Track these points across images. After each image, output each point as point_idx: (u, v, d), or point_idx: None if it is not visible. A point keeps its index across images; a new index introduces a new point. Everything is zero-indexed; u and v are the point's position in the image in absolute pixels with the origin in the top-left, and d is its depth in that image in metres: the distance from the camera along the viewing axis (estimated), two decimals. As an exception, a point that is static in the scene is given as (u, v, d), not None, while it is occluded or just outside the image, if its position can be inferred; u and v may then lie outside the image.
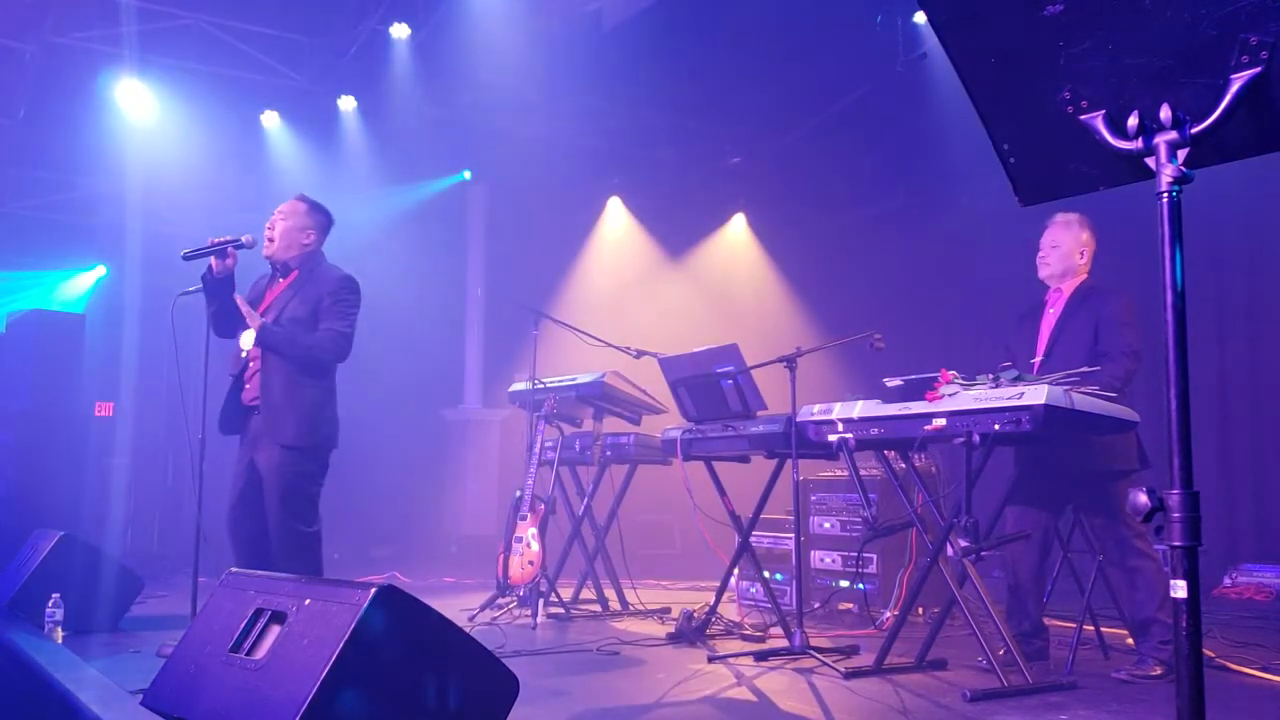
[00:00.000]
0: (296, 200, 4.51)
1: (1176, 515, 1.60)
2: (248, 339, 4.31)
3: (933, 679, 4.04)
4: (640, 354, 5.81)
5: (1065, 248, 4.37)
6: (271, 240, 4.42)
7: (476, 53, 7.95)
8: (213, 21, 7.96)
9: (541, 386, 5.90)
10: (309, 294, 4.32)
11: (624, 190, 10.75)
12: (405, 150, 9.38)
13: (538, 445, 5.70)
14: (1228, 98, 1.60)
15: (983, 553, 3.88)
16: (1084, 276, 4.39)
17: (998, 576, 5.86)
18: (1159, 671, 3.95)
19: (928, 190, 9.09)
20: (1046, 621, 4.46)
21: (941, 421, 3.83)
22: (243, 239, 4.36)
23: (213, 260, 4.32)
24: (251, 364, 4.34)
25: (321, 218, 4.52)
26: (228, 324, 4.39)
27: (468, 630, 2.79)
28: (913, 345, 7.39)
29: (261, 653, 2.58)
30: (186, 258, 4.32)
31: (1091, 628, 4.56)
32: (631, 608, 5.96)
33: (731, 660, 4.44)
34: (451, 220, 10.43)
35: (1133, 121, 1.69)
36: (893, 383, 4.07)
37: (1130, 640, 4.31)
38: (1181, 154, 1.66)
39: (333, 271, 4.42)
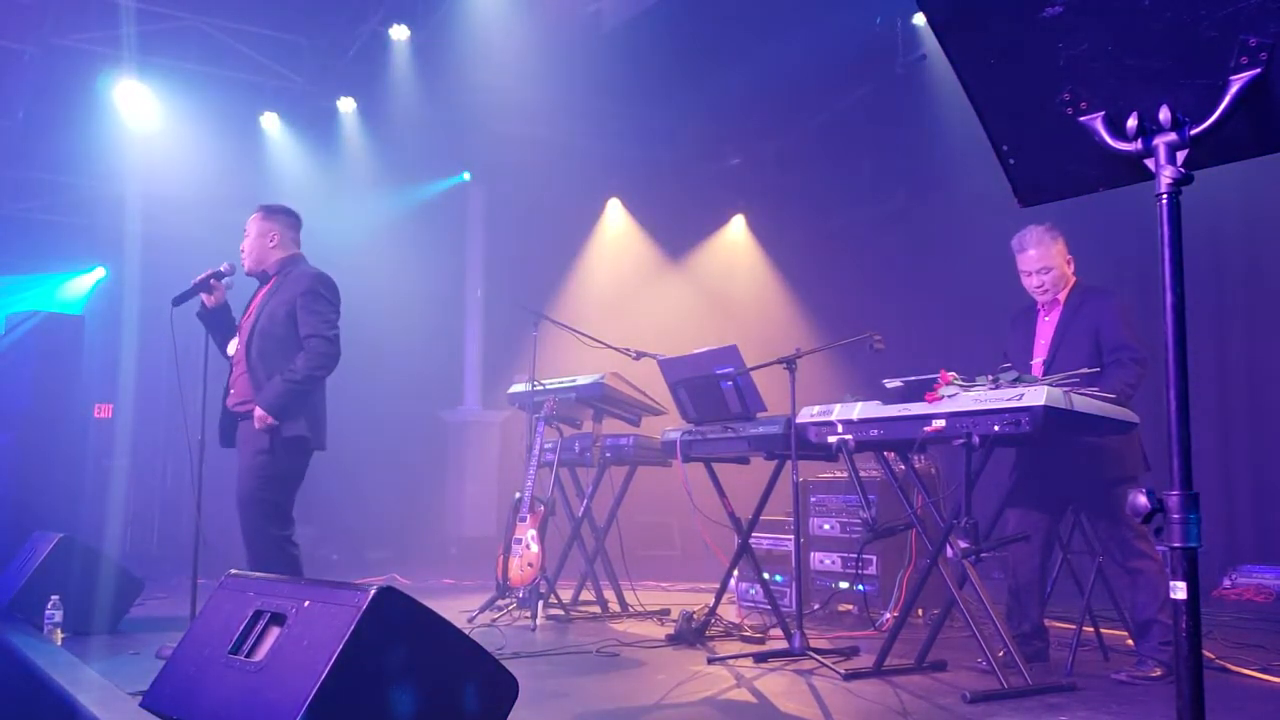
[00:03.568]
0: (255, 213, 4.57)
1: (1176, 516, 1.60)
2: (233, 345, 4.42)
3: (932, 680, 4.04)
4: (640, 355, 5.81)
5: (1057, 269, 4.32)
6: (245, 260, 4.52)
7: (476, 54, 7.96)
8: (212, 23, 7.97)
9: (541, 388, 5.90)
10: (284, 296, 4.36)
11: (623, 191, 10.76)
12: (405, 151, 9.39)
13: (537, 447, 5.70)
14: (1227, 99, 1.60)
15: (982, 554, 3.87)
16: (1073, 280, 4.39)
17: (998, 578, 5.87)
18: (1159, 673, 3.95)
19: (927, 191, 9.08)
20: (1046, 623, 4.45)
21: (941, 423, 3.83)
22: (221, 268, 4.50)
23: (203, 296, 4.46)
24: (234, 368, 4.41)
25: (282, 218, 4.55)
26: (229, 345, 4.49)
27: (467, 632, 2.79)
28: (912, 346, 7.39)
29: (261, 654, 2.57)
30: (175, 302, 4.45)
31: (1091, 629, 4.55)
32: (631, 609, 5.96)
33: (731, 662, 4.43)
34: (451, 221, 10.43)
35: (1132, 123, 1.69)
36: (892, 384, 4.07)
37: (1130, 641, 4.31)
38: (1181, 155, 1.66)
39: (307, 270, 4.44)
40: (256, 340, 4.31)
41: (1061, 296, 4.36)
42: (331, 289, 4.38)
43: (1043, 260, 4.33)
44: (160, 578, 7.12)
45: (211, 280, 4.45)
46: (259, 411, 4.15)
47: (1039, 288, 4.37)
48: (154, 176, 8.95)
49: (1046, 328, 4.38)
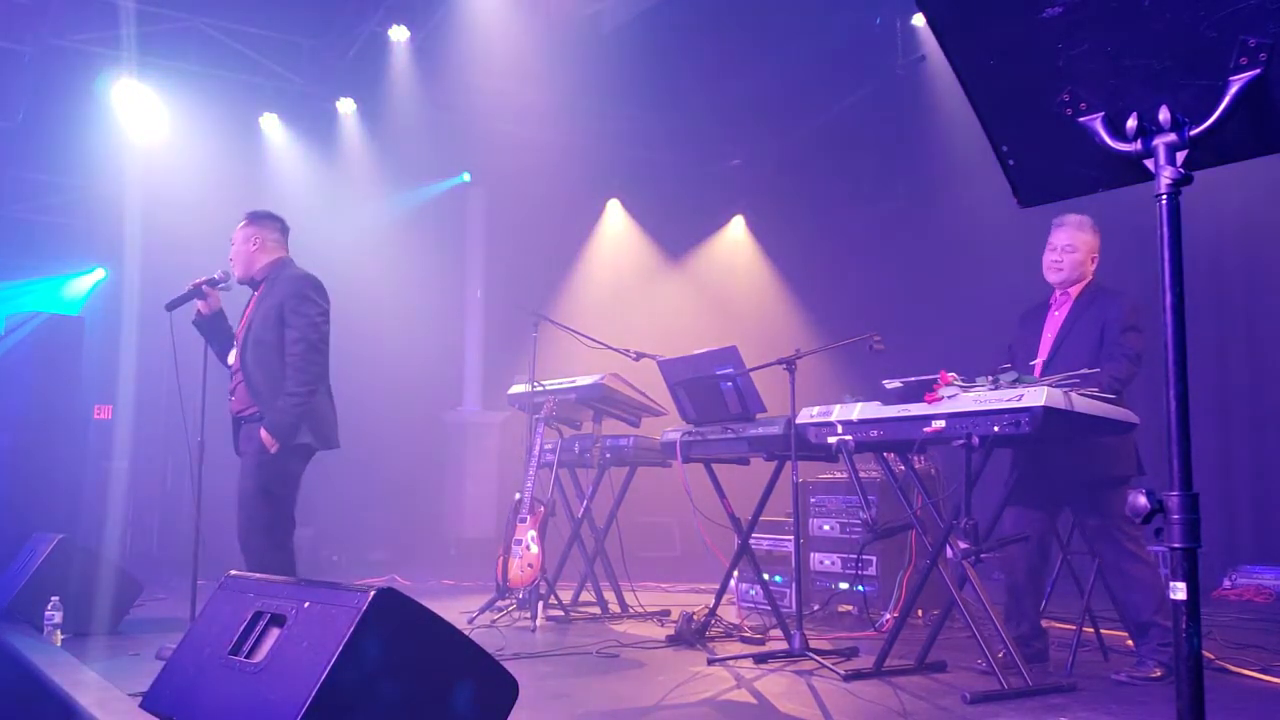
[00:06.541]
0: (241, 222, 4.57)
1: (1176, 517, 1.59)
2: (233, 355, 4.44)
3: (932, 681, 4.04)
4: (640, 356, 5.80)
5: (1081, 254, 4.30)
6: (235, 269, 4.52)
7: (476, 55, 7.96)
8: (211, 23, 7.97)
9: (541, 389, 5.90)
10: (273, 300, 4.36)
11: (623, 192, 10.76)
12: (404, 153, 9.39)
13: (537, 447, 5.70)
14: (1226, 100, 1.60)
15: (982, 555, 3.88)
16: (1090, 279, 4.37)
17: (998, 579, 5.86)
18: (1158, 673, 3.95)
19: (927, 191, 9.09)
20: (1046, 623, 4.45)
21: (941, 423, 3.83)
22: (216, 275, 4.52)
23: (197, 303, 4.47)
24: (234, 376, 4.41)
25: (266, 221, 4.55)
26: (228, 353, 4.50)
27: (467, 633, 2.79)
28: (912, 347, 7.37)
29: (261, 655, 2.57)
30: (169, 307, 4.46)
31: (1091, 629, 4.55)
32: (631, 610, 5.96)
33: (731, 662, 4.43)
34: (451, 222, 10.43)
35: (1131, 123, 1.69)
36: (892, 384, 4.07)
37: (1130, 642, 4.31)
38: (1180, 156, 1.65)
39: (294, 273, 4.43)
40: (251, 348, 4.31)
41: (1074, 292, 4.35)
42: (319, 290, 4.36)
43: (1071, 241, 4.31)
44: (160, 578, 7.12)
45: (204, 287, 4.46)
46: (265, 435, 4.15)
47: (1056, 263, 4.34)
48: (154, 177, 8.93)
49: (1054, 322, 4.36)
